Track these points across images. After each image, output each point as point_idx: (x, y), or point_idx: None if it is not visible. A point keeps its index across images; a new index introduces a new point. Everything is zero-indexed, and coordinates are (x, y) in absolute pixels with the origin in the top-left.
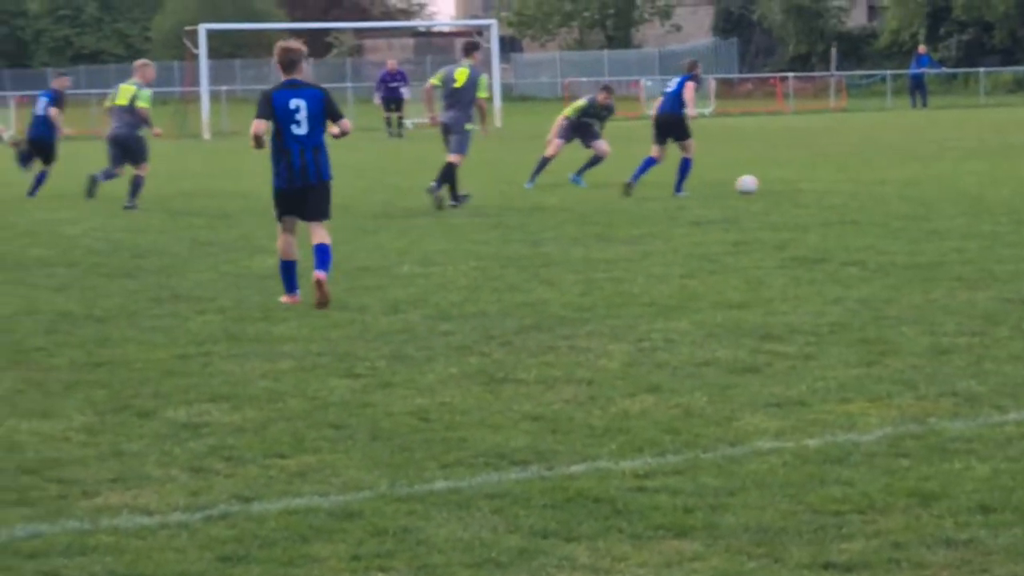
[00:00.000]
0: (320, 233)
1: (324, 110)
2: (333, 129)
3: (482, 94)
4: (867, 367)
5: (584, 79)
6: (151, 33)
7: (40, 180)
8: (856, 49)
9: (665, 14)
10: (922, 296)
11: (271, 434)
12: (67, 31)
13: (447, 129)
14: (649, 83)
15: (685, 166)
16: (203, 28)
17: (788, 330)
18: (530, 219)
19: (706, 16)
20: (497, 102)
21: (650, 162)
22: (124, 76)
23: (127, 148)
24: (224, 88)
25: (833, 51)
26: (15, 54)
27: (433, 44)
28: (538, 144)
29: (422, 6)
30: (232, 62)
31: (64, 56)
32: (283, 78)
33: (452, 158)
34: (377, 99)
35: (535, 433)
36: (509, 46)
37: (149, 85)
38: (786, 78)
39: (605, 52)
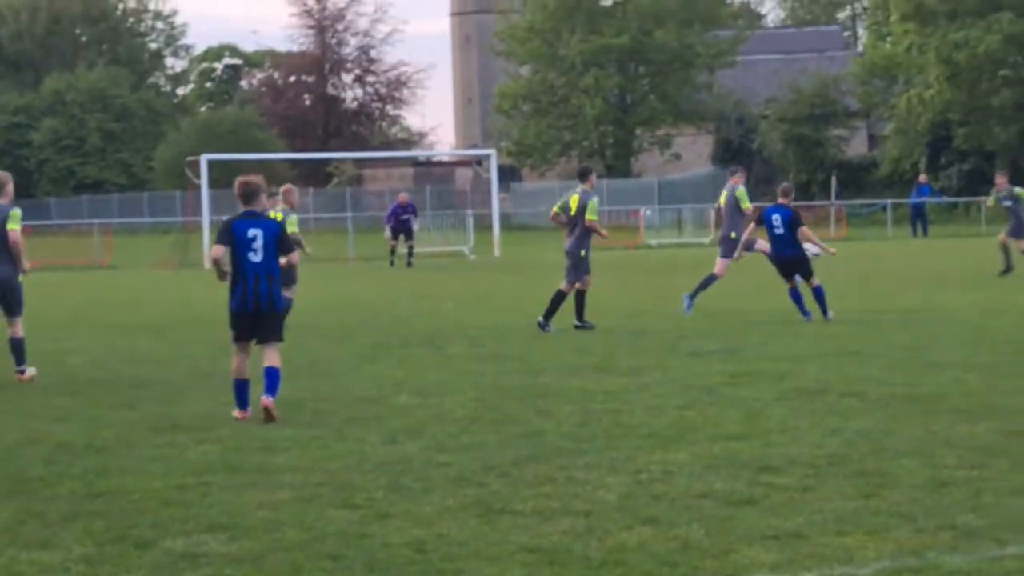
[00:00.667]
0: (271, 356)
1: (278, 241)
2: (281, 260)
3: (591, 216)
4: (865, 499)
5: None
6: (154, 163)
7: None
8: (856, 178)
9: (665, 143)
10: (922, 428)
11: (268, 565)
12: (70, 161)
13: (566, 256)
14: (648, 212)
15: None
16: (204, 158)
17: (786, 462)
18: (528, 349)
19: (705, 145)
20: (496, 231)
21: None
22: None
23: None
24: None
25: (833, 180)
26: (19, 184)
27: (433, 174)
28: (536, 273)
29: (422, 136)
30: (233, 192)
31: (67, 186)
32: (242, 209)
33: (562, 286)
34: (388, 231)
35: (532, 565)
36: (509, 175)
37: (295, 209)
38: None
39: (605, 181)
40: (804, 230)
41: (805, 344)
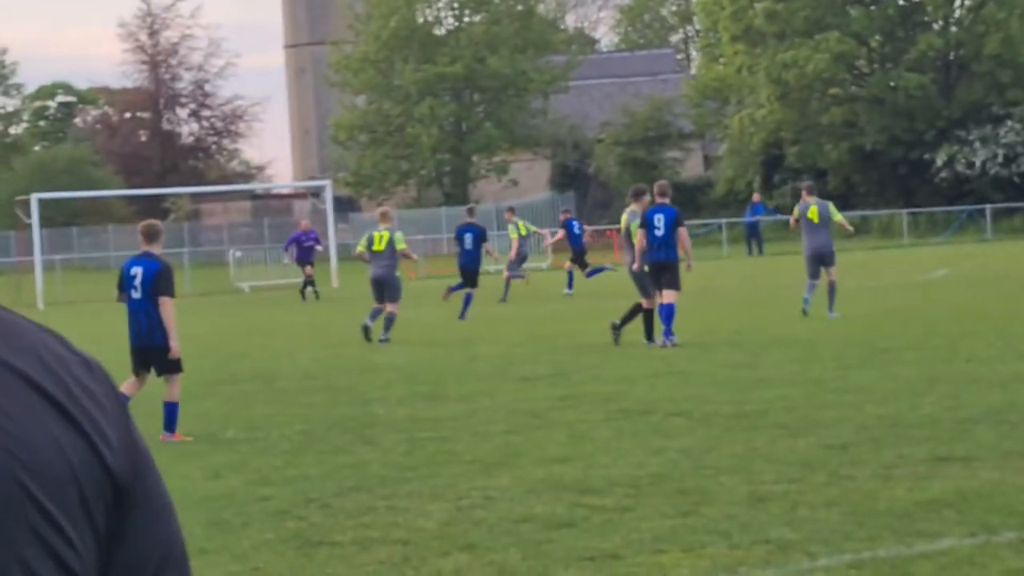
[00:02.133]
0: (170, 391)
1: (154, 280)
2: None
3: (634, 237)
4: (683, 517)
5: (422, 236)
6: None
7: None
8: (692, 199)
9: (501, 170)
10: (743, 445)
11: None
12: None
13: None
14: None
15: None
16: (35, 197)
17: (607, 483)
18: (359, 380)
19: (542, 171)
20: (334, 262)
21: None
22: None
23: (386, 287)
24: (59, 257)
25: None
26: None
27: (271, 206)
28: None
29: (260, 169)
30: (69, 230)
31: None
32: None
33: (643, 302)
34: (287, 258)
35: None
36: (347, 206)
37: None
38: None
39: (443, 209)
40: (683, 232)
41: (635, 365)
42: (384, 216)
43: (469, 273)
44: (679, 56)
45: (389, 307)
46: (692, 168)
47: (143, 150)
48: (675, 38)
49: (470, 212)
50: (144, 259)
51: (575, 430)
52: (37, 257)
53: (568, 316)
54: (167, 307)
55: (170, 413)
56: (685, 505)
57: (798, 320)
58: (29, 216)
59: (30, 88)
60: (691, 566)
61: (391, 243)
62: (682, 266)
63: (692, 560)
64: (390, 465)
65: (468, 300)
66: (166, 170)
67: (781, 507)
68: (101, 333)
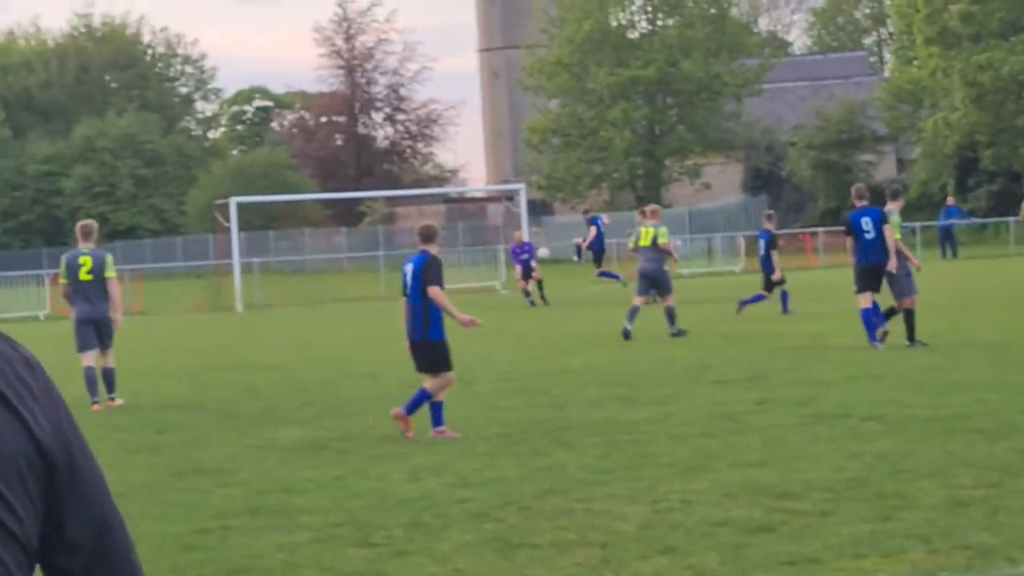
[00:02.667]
0: (433, 385)
1: (422, 272)
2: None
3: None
4: (882, 522)
5: (615, 240)
6: (186, 207)
7: None
8: (885, 202)
9: (694, 173)
10: (941, 449)
11: None
12: (102, 208)
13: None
14: (679, 242)
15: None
16: (233, 201)
17: (805, 487)
18: (555, 383)
19: (735, 174)
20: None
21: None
22: (160, 251)
23: (655, 281)
24: (256, 260)
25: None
26: (51, 232)
27: (465, 210)
28: (568, 306)
29: (453, 172)
30: (266, 234)
31: (100, 232)
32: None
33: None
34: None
35: None
36: (540, 209)
37: (663, 223)
38: (816, 233)
39: (635, 213)
40: (888, 231)
41: (830, 369)
42: (653, 213)
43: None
44: (872, 59)
45: (666, 301)
46: (885, 171)
47: (339, 154)
48: (868, 40)
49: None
50: (416, 256)
51: (771, 434)
52: (236, 260)
53: (762, 319)
54: (438, 296)
55: (436, 408)
56: (884, 510)
57: (993, 324)
58: (228, 219)
59: (228, 93)
60: (891, 571)
61: (655, 238)
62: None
63: (892, 565)
64: (587, 468)
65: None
66: (361, 174)
67: (980, 512)
68: (301, 336)
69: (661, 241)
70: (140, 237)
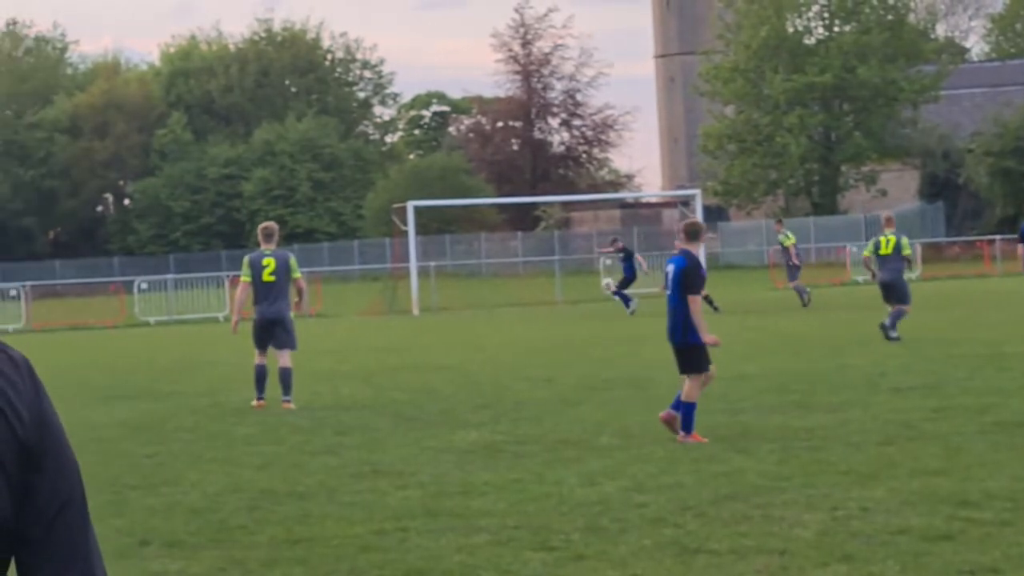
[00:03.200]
0: (688, 389)
1: (681, 278)
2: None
3: (905, 251)
4: None
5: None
6: (363, 211)
7: None
8: None
9: (870, 179)
10: None
11: None
12: (281, 211)
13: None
14: (854, 249)
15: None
16: (411, 205)
17: (985, 496)
18: (731, 389)
19: (912, 180)
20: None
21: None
22: (338, 254)
23: (895, 290)
24: (433, 264)
25: None
26: (231, 235)
27: (640, 215)
28: (744, 313)
29: (629, 177)
30: (442, 238)
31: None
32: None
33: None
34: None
35: None
36: (715, 215)
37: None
38: (993, 240)
39: (811, 219)
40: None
41: (1009, 378)
42: (889, 221)
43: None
44: None
45: (901, 306)
46: None
47: (515, 158)
48: None
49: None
50: (677, 256)
51: (949, 442)
52: (412, 263)
53: (938, 326)
54: (694, 305)
55: (686, 413)
56: None
57: None
58: (405, 223)
59: (406, 98)
60: None
61: (898, 247)
62: None
63: None
64: (764, 474)
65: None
66: (537, 178)
67: None
68: (476, 339)
69: (906, 252)
70: (318, 240)
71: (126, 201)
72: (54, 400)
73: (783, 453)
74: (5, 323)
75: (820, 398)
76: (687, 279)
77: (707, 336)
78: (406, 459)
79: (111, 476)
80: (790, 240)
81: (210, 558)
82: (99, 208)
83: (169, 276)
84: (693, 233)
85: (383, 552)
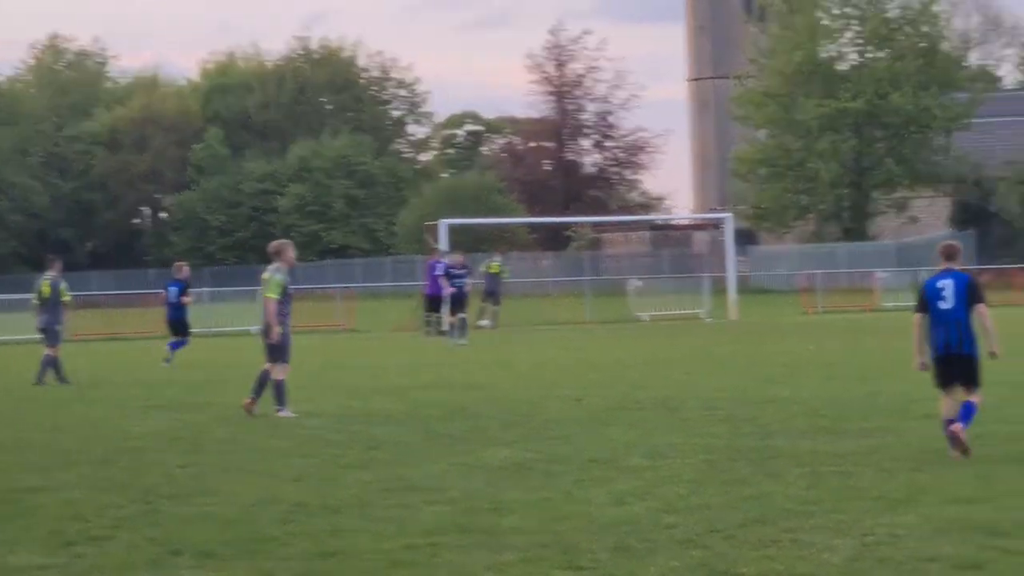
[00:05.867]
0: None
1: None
2: None
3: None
4: None
5: (820, 271)
6: (396, 228)
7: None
8: None
9: (901, 206)
10: None
11: None
12: (315, 226)
13: None
14: (884, 275)
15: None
16: (444, 223)
17: (1017, 526)
18: (761, 412)
19: (943, 207)
20: (732, 294)
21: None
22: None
23: None
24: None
25: None
26: (265, 249)
27: (670, 237)
28: (774, 335)
29: (660, 199)
30: (474, 256)
31: (313, 250)
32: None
33: None
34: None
35: None
36: (746, 238)
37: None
38: None
39: (841, 244)
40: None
41: None
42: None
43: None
44: None
45: None
46: None
47: (547, 179)
48: None
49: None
50: (950, 273)
51: (982, 470)
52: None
53: None
54: (986, 313)
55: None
56: None
57: None
58: (437, 240)
59: (440, 117)
60: None
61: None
62: None
63: None
64: (793, 498)
65: None
66: (568, 199)
67: None
68: (507, 357)
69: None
70: (351, 256)
71: (163, 214)
72: (90, 409)
73: (813, 478)
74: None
75: (850, 423)
76: (975, 291)
77: (997, 346)
78: (437, 475)
79: (145, 486)
80: None
81: (242, 569)
82: (136, 221)
83: (205, 289)
84: (952, 255)
85: (413, 567)
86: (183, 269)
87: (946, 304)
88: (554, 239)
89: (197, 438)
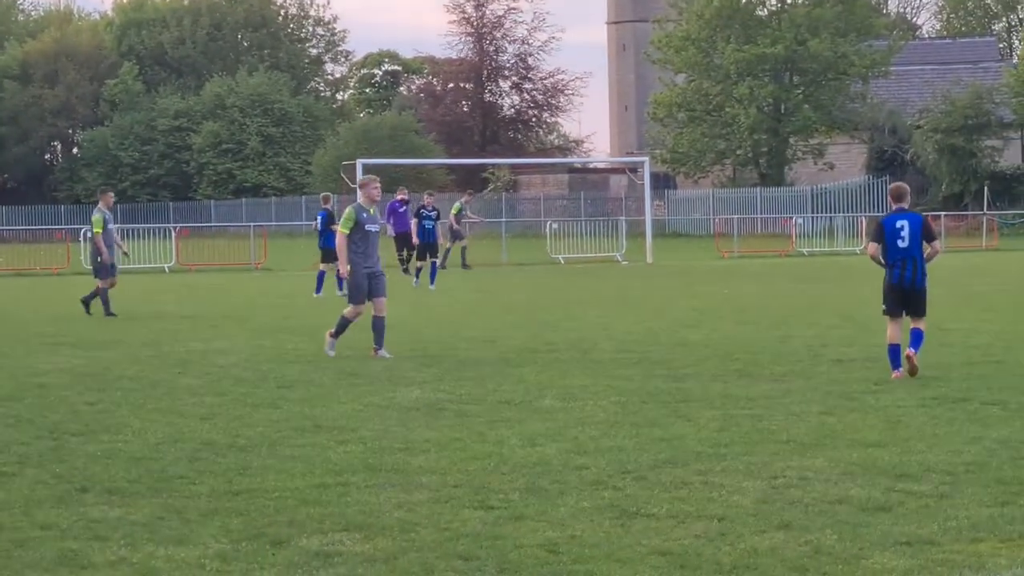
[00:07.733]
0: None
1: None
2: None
3: None
4: (1001, 507)
5: (736, 216)
6: (312, 167)
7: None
8: (1009, 188)
9: (818, 152)
10: None
11: (401, 565)
12: (230, 164)
13: None
14: (800, 220)
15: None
16: (360, 163)
17: (923, 469)
18: (673, 355)
19: (859, 155)
20: (649, 238)
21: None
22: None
23: None
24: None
25: (986, 191)
26: (179, 187)
27: (588, 180)
28: (688, 279)
29: (578, 143)
30: (389, 196)
31: (226, 188)
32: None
33: None
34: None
35: (663, 568)
36: (663, 182)
37: None
38: (938, 217)
39: (758, 189)
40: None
41: (950, 353)
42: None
43: None
44: (1001, 45)
45: None
46: (1011, 158)
47: (464, 120)
48: (998, 26)
49: None
50: (905, 214)
51: (889, 414)
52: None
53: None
54: (936, 248)
55: (920, 338)
56: (1003, 495)
57: None
58: (353, 180)
59: (358, 56)
60: (1009, 556)
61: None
62: None
63: (1011, 551)
64: (704, 441)
65: None
66: (486, 141)
67: None
68: (419, 298)
69: None
70: (265, 195)
71: (75, 150)
72: None
73: (724, 420)
74: None
75: (763, 367)
76: (929, 230)
77: None
78: (348, 415)
79: (52, 423)
80: None
81: (149, 507)
82: (47, 156)
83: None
84: (900, 196)
85: (323, 506)
86: (329, 199)
87: (904, 243)
88: (471, 181)
89: (105, 375)
